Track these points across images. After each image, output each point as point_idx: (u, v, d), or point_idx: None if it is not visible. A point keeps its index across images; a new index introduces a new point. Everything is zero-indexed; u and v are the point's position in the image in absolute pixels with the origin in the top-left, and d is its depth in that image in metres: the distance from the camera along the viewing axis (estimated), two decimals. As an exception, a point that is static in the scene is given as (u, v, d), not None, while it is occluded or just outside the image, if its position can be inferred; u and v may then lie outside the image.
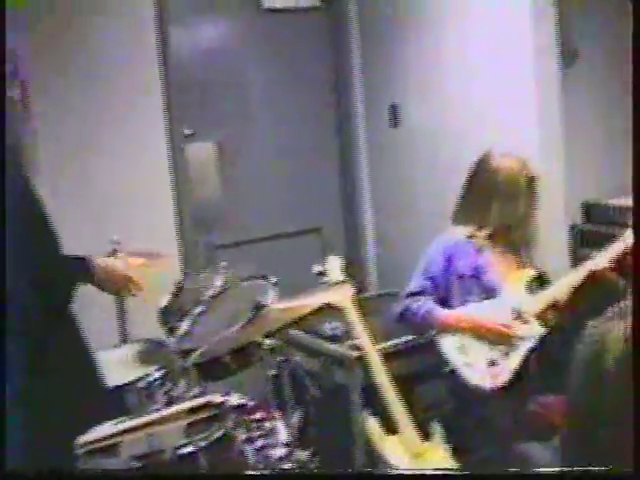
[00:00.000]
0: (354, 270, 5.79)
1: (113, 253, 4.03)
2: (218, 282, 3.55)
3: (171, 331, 3.56)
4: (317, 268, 3.78)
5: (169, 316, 3.64)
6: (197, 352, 3.06)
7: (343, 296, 3.57)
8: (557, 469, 1.39)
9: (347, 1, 5.81)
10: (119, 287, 3.23)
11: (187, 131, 5.36)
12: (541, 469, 1.38)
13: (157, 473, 2.65)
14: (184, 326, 3.39)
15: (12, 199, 2.81)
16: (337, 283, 3.60)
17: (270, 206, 5.70)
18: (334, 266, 3.75)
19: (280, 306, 3.10)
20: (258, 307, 3.04)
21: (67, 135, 4.72)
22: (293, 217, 5.75)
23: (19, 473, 2.19)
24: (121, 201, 4.90)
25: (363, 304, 4.21)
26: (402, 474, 1.64)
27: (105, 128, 4.91)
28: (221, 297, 3.49)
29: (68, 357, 2.99)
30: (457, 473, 2.31)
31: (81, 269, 3.04)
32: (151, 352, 3.86)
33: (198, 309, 3.44)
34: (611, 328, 1.45)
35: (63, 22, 4.73)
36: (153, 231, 4.86)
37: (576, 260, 4.33)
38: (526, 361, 3.66)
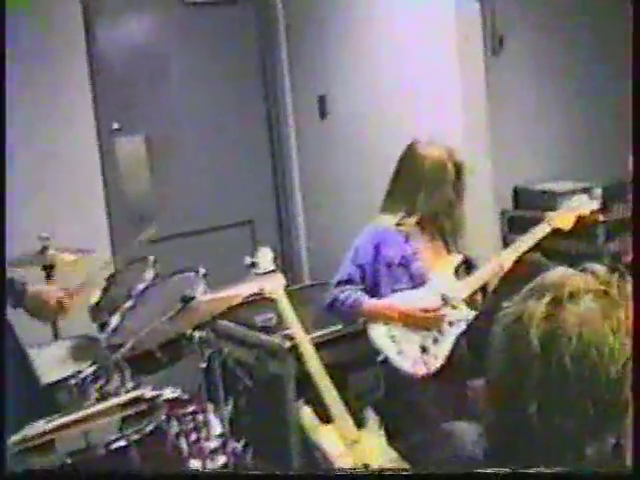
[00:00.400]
0: (286, 262, 5.82)
1: (43, 251, 4.03)
2: (148, 276, 3.55)
3: (102, 326, 3.56)
4: (248, 260, 3.79)
5: (100, 312, 3.63)
6: (127, 345, 3.06)
7: (274, 285, 3.59)
8: (557, 469, 1.41)
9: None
10: (49, 314, 3.20)
11: (115, 125, 5.33)
12: (542, 470, 1.39)
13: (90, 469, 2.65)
14: (114, 321, 3.39)
15: None
16: (268, 272, 3.61)
17: (201, 199, 5.67)
18: (265, 257, 3.77)
19: (209, 297, 3.11)
20: (186, 299, 3.03)
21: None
22: (224, 210, 5.74)
23: (19, 473, 2.18)
24: (51, 197, 4.87)
25: (294, 294, 4.23)
26: (400, 474, 1.66)
27: (33, 125, 4.87)
28: (151, 291, 3.49)
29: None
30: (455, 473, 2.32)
31: (11, 292, 2.98)
32: (84, 348, 3.83)
33: (128, 303, 3.44)
34: (526, 308, 1.47)
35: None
36: (84, 227, 4.84)
37: (506, 245, 4.39)
38: (456, 346, 3.71)
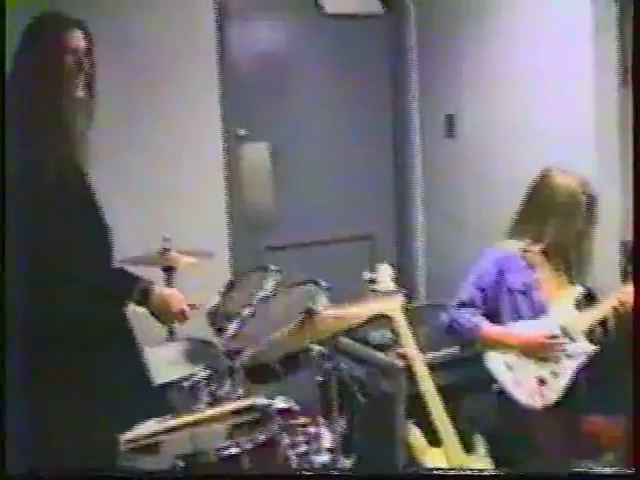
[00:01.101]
0: (403, 278, 5.78)
1: (164, 251, 4.07)
2: (269, 285, 3.54)
3: (219, 331, 3.56)
4: (367, 275, 3.76)
5: (218, 316, 3.64)
6: (245, 354, 3.06)
7: (392, 304, 3.55)
8: (556, 470, 1.36)
9: (408, 11, 5.80)
10: (170, 318, 3.21)
11: (242, 132, 5.37)
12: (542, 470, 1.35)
13: (199, 474, 2.65)
14: (233, 327, 3.38)
15: (70, 203, 2.84)
16: (388, 293, 3.57)
17: (322, 210, 5.67)
18: (385, 275, 3.72)
19: (331, 313, 3.08)
20: (309, 313, 3.02)
21: (123, 133, 4.76)
22: (345, 222, 5.73)
23: (19, 473, 2.20)
24: (174, 199, 4.93)
25: (411, 313, 4.19)
26: (401, 474, 1.63)
27: (161, 126, 4.95)
28: (271, 300, 3.48)
29: (116, 353, 2.98)
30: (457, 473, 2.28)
31: (135, 288, 3.01)
32: (198, 351, 3.85)
33: (247, 311, 3.43)
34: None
35: (128, 20, 4.79)
36: (204, 230, 4.88)
37: (625, 276, 4.28)
38: (575, 380, 3.63)
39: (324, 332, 3.09)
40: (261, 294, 3.50)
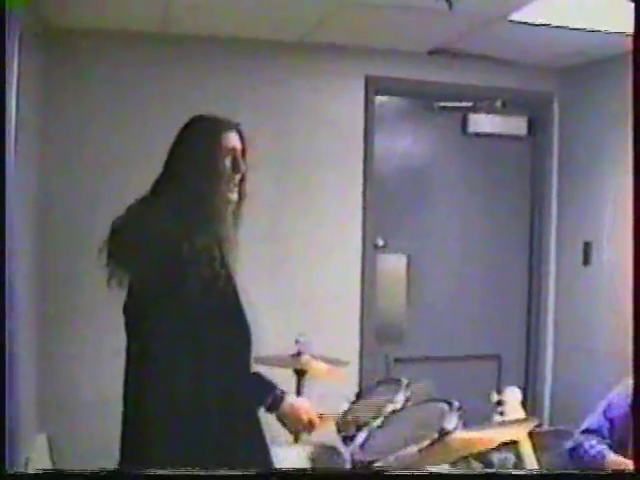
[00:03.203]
0: (528, 401, 5.73)
1: (298, 354, 4.14)
2: (399, 398, 3.56)
3: (346, 439, 3.59)
4: (496, 397, 3.75)
5: (346, 424, 3.67)
6: (372, 467, 3.08)
7: (522, 432, 3.53)
8: (556, 471, 1.36)
9: (551, 135, 5.85)
10: (298, 428, 3.25)
11: (380, 242, 5.47)
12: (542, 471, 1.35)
13: None
14: (361, 437, 3.41)
15: (220, 302, 2.89)
16: (518, 420, 3.56)
17: (451, 326, 5.71)
18: (513, 399, 3.71)
19: (465, 436, 3.08)
20: (443, 432, 3.02)
21: (267, 231, 4.93)
22: (473, 340, 5.74)
23: (19, 473, 2.17)
24: (311, 303, 5.04)
25: (536, 438, 4.16)
26: (401, 474, 1.63)
27: (306, 229, 5.10)
28: (401, 414, 3.49)
29: (244, 452, 3.02)
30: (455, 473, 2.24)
31: (270, 396, 3.03)
32: (323, 457, 3.88)
33: (377, 422, 3.45)
34: None
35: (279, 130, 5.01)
36: (337, 336, 4.95)
37: None
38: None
39: (455, 453, 3.09)
40: (390, 407, 3.52)
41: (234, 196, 3.01)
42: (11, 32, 3.52)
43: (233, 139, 3.02)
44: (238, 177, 3.01)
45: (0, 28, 2.07)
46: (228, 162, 2.98)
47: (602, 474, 1.42)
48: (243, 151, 3.05)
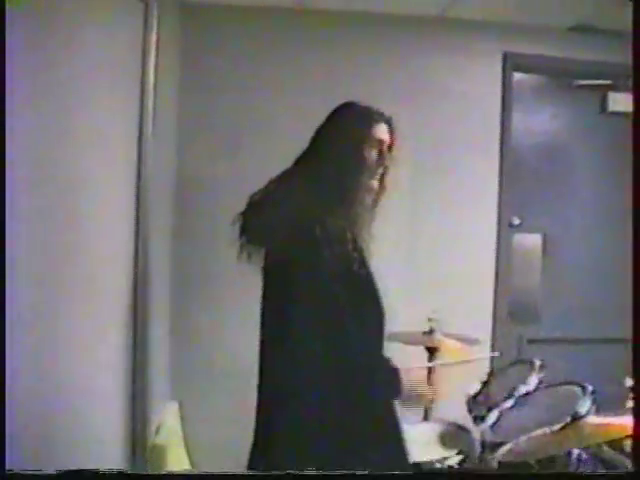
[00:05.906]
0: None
1: (430, 331, 4.15)
2: (532, 380, 3.53)
3: (477, 419, 3.59)
4: (629, 382, 3.68)
5: (477, 405, 3.67)
6: (505, 448, 3.07)
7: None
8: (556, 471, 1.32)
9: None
10: (421, 400, 3.14)
11: (516, 220, 5.41)
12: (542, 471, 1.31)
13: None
14: (492, 418, 3.41)
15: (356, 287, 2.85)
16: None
17: (587, 307, 5.59)
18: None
19: (598, 422, 3.03)
20: (576, 417, 2.99)
21: (403, 206, 4.95)
22: (609, 323, 5.61)
23: (19, 473, 2.17)
24: (445, 282, 5.03)
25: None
26: (401, 474, 1.59)
27: (444, 210, 5.12)
28: (533, 396, 3.47)
29: (376, 428, 3.00)
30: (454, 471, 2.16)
31: (392, 383, 2.89)
32: (453, 435, 3.89)
33: (508, 403, 3.44)
34: None
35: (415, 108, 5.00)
36: (470, 315, 4.92)
37: None
38: None
39: (587, 439, 3.04)
40: (523, 389, 3.50)
41: (375, 184, 3.01)
42: (149, 9, 3.62)
43: (383, 131, 3.03)
44: (381, 170, 3.01)
45: (0, 28, 2.09)
46: (374, 153, 2.99)
47: (602, 474, 1.39)
48: (390, 145, 3.05)
